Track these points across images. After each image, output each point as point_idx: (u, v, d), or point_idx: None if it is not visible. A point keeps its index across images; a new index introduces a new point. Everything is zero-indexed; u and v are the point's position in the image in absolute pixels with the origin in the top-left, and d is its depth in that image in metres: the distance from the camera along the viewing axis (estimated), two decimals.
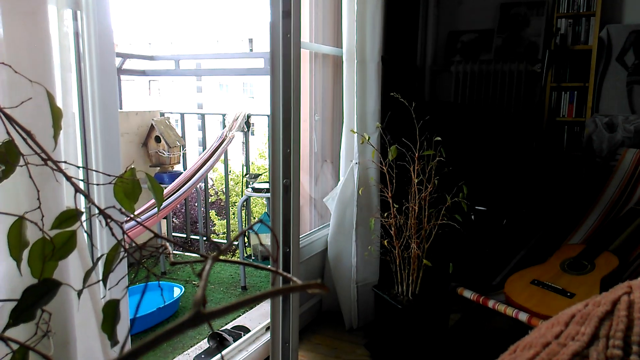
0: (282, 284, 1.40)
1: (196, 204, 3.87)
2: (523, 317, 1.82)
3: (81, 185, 1.13)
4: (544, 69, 2.87)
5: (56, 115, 0.70)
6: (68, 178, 0.58)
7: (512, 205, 2.59)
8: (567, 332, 0.37)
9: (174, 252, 3.93)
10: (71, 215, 0.59)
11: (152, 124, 3.48)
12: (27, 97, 0.90)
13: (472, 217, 2.51)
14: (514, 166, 2.68)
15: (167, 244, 0.58)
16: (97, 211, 0.58)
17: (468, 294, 2.08)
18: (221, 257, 0.39)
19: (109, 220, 0.56)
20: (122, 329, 1.07)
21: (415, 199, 2.04)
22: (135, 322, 2.38)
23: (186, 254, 3.93)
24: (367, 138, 2.20)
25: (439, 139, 2.05)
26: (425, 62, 3.41)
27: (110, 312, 0.53)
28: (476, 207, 2.53)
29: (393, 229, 2.05)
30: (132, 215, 0.62)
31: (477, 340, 2.30)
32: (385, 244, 2.09)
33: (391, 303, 2.03)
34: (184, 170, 3.53)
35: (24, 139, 0.68)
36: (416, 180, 2.04)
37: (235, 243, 3.74)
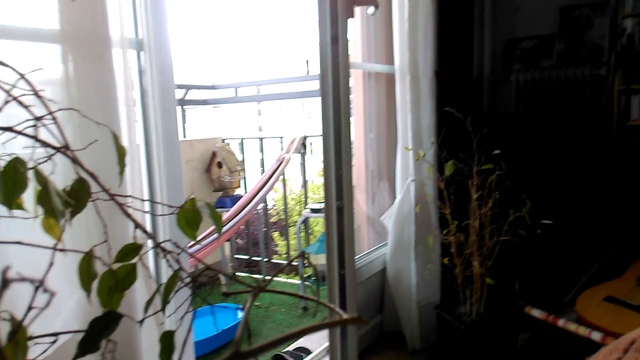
0: (339, 307, 1.41)
1: (258, 226, 3.97)
2: (596, 336, 1.71)
3: (147, 216, 1.20)
4: (611, 72, 2.73)
5: (121, 154, 0.76)
6: (128, 215, 0.62)
7: (581, 217, 2.46)
8: None
9: (239, 273, 4.03)
10: (132, 249, 0.63)
11: (214, 151, 3.63)
12: (95, 135, 0.98)
13: (539, 231, 2.40)
14: (583, 176, 2.55)
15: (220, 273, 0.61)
16: (155, 242, 0.62)
17: (536, 312, 1.98)
18: (279, 276, 0.41)
19: (165, 253, 0.60)
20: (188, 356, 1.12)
21: (476, 214, 1.99)
22: (198, 345, 2.46)
23: (251, 275, 4.03)
24: (422, 154, 2.18)
25: (498, 152, 1.99)
26: (482, 74, 3.33)
27: (167, 342, 0.56)
28: (542, 221, 2.42)
29: (453, 246, 2.01)
30: (183, 248, 0.66)
31: None
32: (446, 262, 2.05)
33: (454, 324, 1.98)
34: (245, 193, 3.63)
35: (91, 175, 0.74)
36: (475, 196, 1.99)
37: (296, 264, 3.79)
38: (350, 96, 2.01)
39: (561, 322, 1.84)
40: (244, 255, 4.43)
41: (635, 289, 1.89)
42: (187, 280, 0.59)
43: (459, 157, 2.05)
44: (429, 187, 2.27)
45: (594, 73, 2.98)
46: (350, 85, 1.61)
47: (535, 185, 2.42)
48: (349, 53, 1.42)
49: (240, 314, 2.86)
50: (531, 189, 2.30)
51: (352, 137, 1.68)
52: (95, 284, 0.72)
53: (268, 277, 3.74)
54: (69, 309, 0.97)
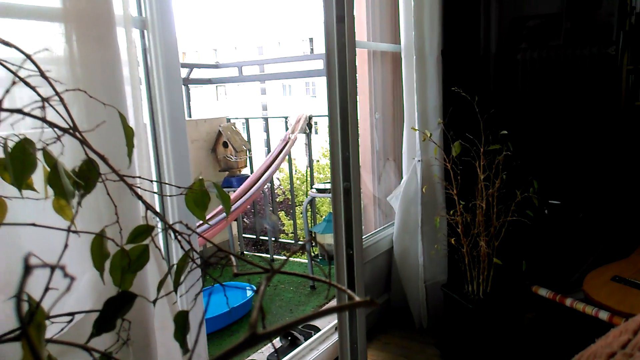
0: (347, 287, 1.42)
1: (264, 205, 3.99)
2: (604, 315, 1.72)
3: (155, 197, 1.21)
4: (619, 51, 2.68)
5: (129, 135, 0.75)
6: (139, 197, 0.62)
7: (588, 197, 2.45)
8: (635, 342, 0.35)
9: (245, 252, 4.07)
10: (144, 230, 0.64)
11: (219, 130, 3.62)
12: (102, 116, 0.98)
13: (546, 211, 2.40)
14: (590, 156, 2.53)
15: (231, 255, 0.61)
16: (167, 224, 0.63)
17: (543, 292, 1.99)
18: (290, 256, 0.41)
19: (177, 234, 0.60)
20: (198, 335, 1.13)
21: (483, 195, 1.99)
22: (209, 322, 2.50)
23: (257, 254, 4.06)
24: (429, 135, 2.16)
25: (505, 132, 1.98)
26: (488, 53, 3.28)
27: (181, 322, 0.57)
28: (550, 201, 2.42)
29: (460, 226, 2.01)
30: (194, 230, 0.66)
31: (554, 339, 2.20)
32: (453, 242, 2.05)
33: (461, 302, 1.99)
34: (251, 173, 3.64)
35: (101, 157, 0.74)
36: (482, 176, 1.98)
37: (303, 243, 3.81)
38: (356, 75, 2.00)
39: (568, 302, 1.85)
40: (251, 234, 4.46)
41: None
42: (199, 261, 0.60)
43: (466, 138, 2.03)
44: (436, 168, 2.26)
45: (602, 52, 2.93)
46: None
47: (543, 166, 2.41)
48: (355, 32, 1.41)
49: (249, 293, 2.89)
50: (538, 170, 2.29)
51: (358, 118, 1.66)
52: (107, 264, 0.72)
53: (277, 256, 3.77)
54: (81, 287, 0.98)
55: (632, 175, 2.62)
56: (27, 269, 0.25)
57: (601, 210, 2.40)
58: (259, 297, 0.31)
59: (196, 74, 4.23)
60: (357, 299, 0.35)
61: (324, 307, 2.14)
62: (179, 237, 0.61)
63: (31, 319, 0.32)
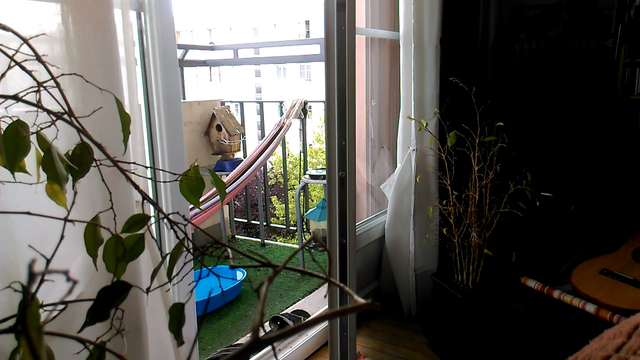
0: (339, 276, 1.42)
1: (256, 187, 3.97)
2: (590, 308, 1.74)
3: (149, 183, 1.20)
4: (617, 44, 2.68)
5: (125, 122, 0.74)
6: (136, 186, 0.62)
7: (580, 190, 2.47)
8: (629, 345, 0.35)
9: (237, 235, 4.07)
10: (139, 220, 0.63)
11: (213, 113, 3.59)
12: (97, 99, 0.96)
13: (537, 203, 2.42)
14: (583, 149, 2.54)
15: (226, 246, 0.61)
16: (163, 214, 0.62)
17: (532, 283, 2.01)
18: (277, 240, 0.41)
19: (173, 225, 0.59)
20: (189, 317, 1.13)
21: (476, 186, 1.99)
22: (200, 304, 2.50)
23: (248, 238, 4.06)
24: (424, 125, 2.16)
25: (501, 124, 1.98)
26: (487, 43, 3.27)
27: (176, 313, 0.57)
28: (541, 193, 2.43)
29: (452, 217, 2.02)
30: (189, 220, 0.65)
31: (542, 329, 2.23)
32: (444, 232, 2.06)
33: (451, 292, 2.01)
34: (244, 157, 3.62)
35: (97, 144, 0.73)
36: (477, 167, 1.99)
37: (294, 228, 3.82)
38: None
39: (556, 293, 1.88)
40: (241, 218, 4.46)
41: (630, 262, 1.91)
42: (192, 249, 0.59)
43: (462, 128, 2.03)
44: (430, 158, 2.26)
45: (599, 45, 2.93)
46: None
47: (536, 158, 2.42)
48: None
49: (240, 275, 2.90)
50: (532, 162, 2.30)
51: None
52: (100, 250, 0.72)
53: (268, 241, 3.77)
54: (73, 270, 0.97)
55: (624, 169, 2.64)
56: (32, 276, 0.24)
57: (592, 203, 2.42)
58: (260, 301, 0.30)
59: (191, 55, 4.18)
60: (360, 300, 0.35)
61: (320, 313, 2.14)
62: (175, 227, 0.60)
63: (24, 312, 0.31)
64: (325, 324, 2.10)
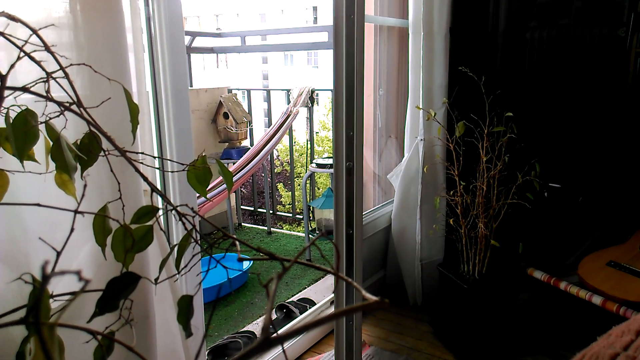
0: (345, 267, 1.43)
1: (263, 174, 3.97)
2: (597, 300, 1.74)
3: (157, 173, 1.20)
4: (629, 33, 2.64)
5: (133, 112, 0.74)
6: (144, 178, 0.62)
7: (590, 181, 2.45)
8: (637, 343, 0.35)
9: (243, 223, 4.08)
10: (148, 211, 0.63)
11: (220, 101, 3.58)
12: (106, 87, 0.96)
13: (545, 194, 2.40)
14: (594, 139, 2.52)
15: (231, 237, 0.61)
16: (172, 206, 0.62)
17: (539, 274, 2.01)
18: (283, 227, 0.41)
19: (181, 217, 0.59)
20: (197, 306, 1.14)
21: (484, 177, 1.98)
22: (207, 292, 2.52)
23: (254, 226, 4.07)
24: (433, 114, 2.14)
25: (510, 114, 1.96)
26: (497, 31, 3.23)
27: (185, 305, 0.57)
28: (550, 184, 2.42)
29: (459, 207, 2.01)
30: (196, 212, 0.65)
31: (548, 320, 2.23)
32: (451, 222, 2.06)
33: (457, 282, 2.01)
34: (251, 145, 3.62)
35: (106, 136, 0.73)
36: (485, 158, 1.98)
37: (300, 216, 3.82)
38: None
39: (563, 285, 1.87)
40: (248, 205, 4.47)
41: (638, 254, 1.90)
42: (200, 240, 0.59)
43: (470, 118, 2.02)
44: (438, 148, 2.25)
45: (612, 33, 2.88)
46: None
47: (545, 149, 2.40)
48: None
49: (246, 264, 2.91)
50: (541, 152, 2.28)
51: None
52: (109, 240, 0.72)
53: (274, 229, 3.78)
54: (81, 258, 0.98)
55: (634, 159, 2.61)
56: (45, 278, 0.24)
57: (601, 195, 2.40)
58: (270, 299, 0.30)
59: (198, 42, 4.16)
60: (369, 297, 0.35)
61: (328, 313, 2.14)
62: (184, 219, 0.60)
63: (37, 305, 0.31)
64: (330, 311, 2.11)
